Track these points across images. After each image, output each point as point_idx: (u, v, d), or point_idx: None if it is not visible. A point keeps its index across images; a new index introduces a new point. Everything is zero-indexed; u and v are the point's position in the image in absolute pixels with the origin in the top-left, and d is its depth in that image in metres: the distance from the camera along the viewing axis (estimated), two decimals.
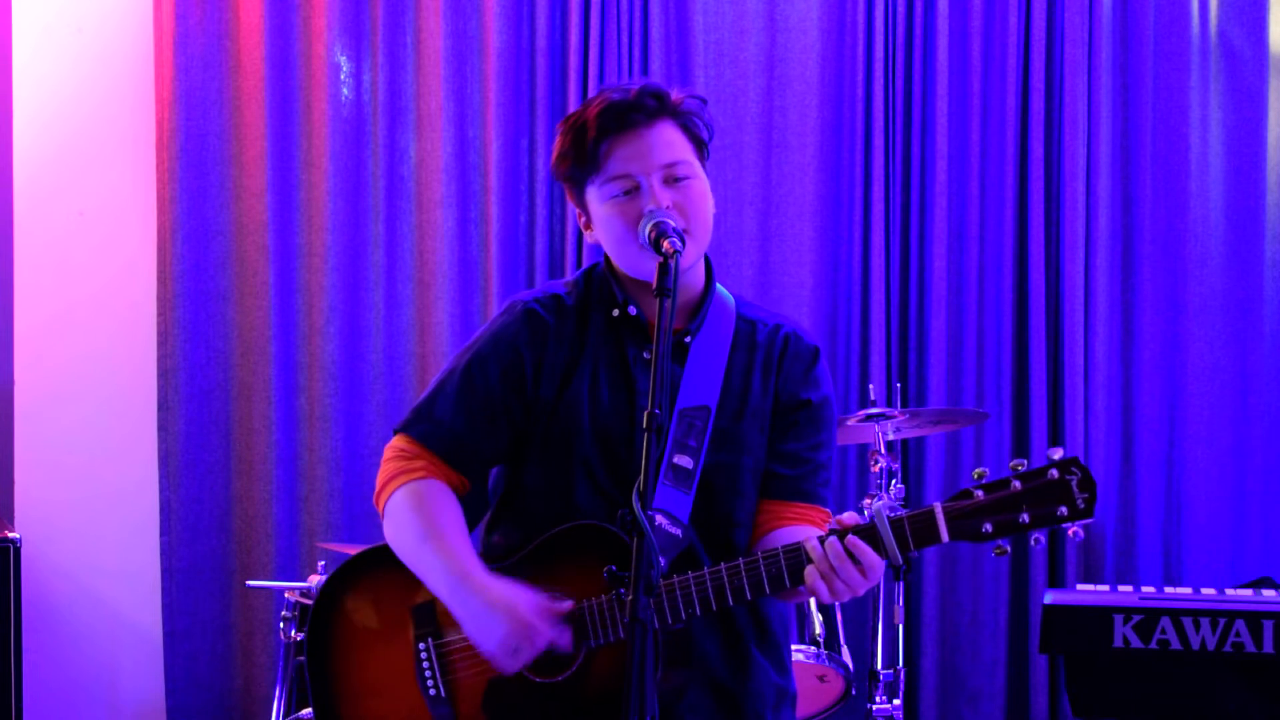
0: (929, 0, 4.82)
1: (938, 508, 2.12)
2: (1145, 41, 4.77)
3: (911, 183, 4.85)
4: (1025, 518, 2.11)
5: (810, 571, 2.14)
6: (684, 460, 2.31)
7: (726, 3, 4.87)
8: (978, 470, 2.14)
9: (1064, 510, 2.10)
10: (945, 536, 2.12)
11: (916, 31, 4.83)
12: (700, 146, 2.37)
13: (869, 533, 2.13)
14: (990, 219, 4.83)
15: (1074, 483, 2.10)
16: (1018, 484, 2.11)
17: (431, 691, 2.33)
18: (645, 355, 2.35)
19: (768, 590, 2.18)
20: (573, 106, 4.82)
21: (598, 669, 2.26)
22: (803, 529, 2.32)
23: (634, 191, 2.29)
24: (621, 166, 2.30)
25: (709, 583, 2.19)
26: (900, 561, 2.15)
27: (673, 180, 2.30)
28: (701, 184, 2.34)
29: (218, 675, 4.86)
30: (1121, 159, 4.81)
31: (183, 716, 4.82)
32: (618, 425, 2.34)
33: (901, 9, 4.81)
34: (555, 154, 2.37)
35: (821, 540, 2.14)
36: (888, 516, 2.13)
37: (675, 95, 2.35)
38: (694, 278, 2.38)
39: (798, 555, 2.16)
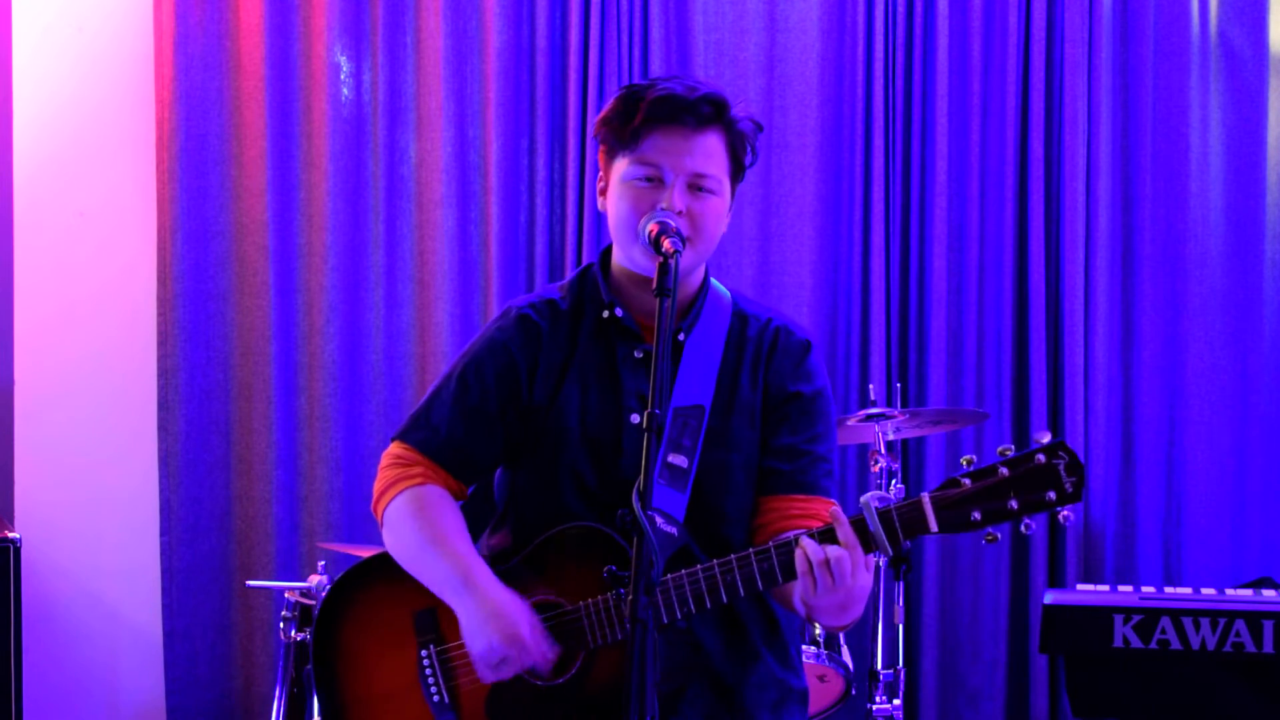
0: (929, 0, 4.82)
1: (925, 497, 2.12)
2: (1145, 41, 4.77)
3: (911, 183, 4.85)
4: (1014, 504, 2.10)
5: (801, 569, 2.14)
6: (679, 459, 2.30)
7: (726, 3, 4.87)
8: (965, 458, 2.13)
9: (1052, 495, 2.10)
10: (934, 526, 2.11)
11: (916, 31, 4.82)
12: (737, 168, 2.37)
13: (858, 525, 2.13)
14: (990, 219, 4.82)
15: (1061, 466, 2.09)
16: (1004, 470, 2.11)
17: (435, 698, 2.34)
18: (636, 354, 2.36)
19: (760, 585, 2.18)
20: (573, 106, 4.82)
21: (598, 671, 2.26)
22: (810, 526, 2.32)
23: (655, 182, 2.29)
24: (654, 155, 2.29)
25: (702, 580, 2.19)
26: (891, 553, 2.15)
27: (697, 190, 2.30)
28: (722, 203, 2.34)
29: (218, 675, 4.86)
30: (1121, 159, 4.81)
31: (183, 716, 4.82)
32: (605, 428, 2.34)
33: (901, 9, 4.81)
34: (602, 114, 2.37)
35: (813, 535, 2.14)
36: (876, 509, 2.13)
37: (734, 111, 2.34)
38: (692, 278, 2.38)
39: (789, 551, 2.16)
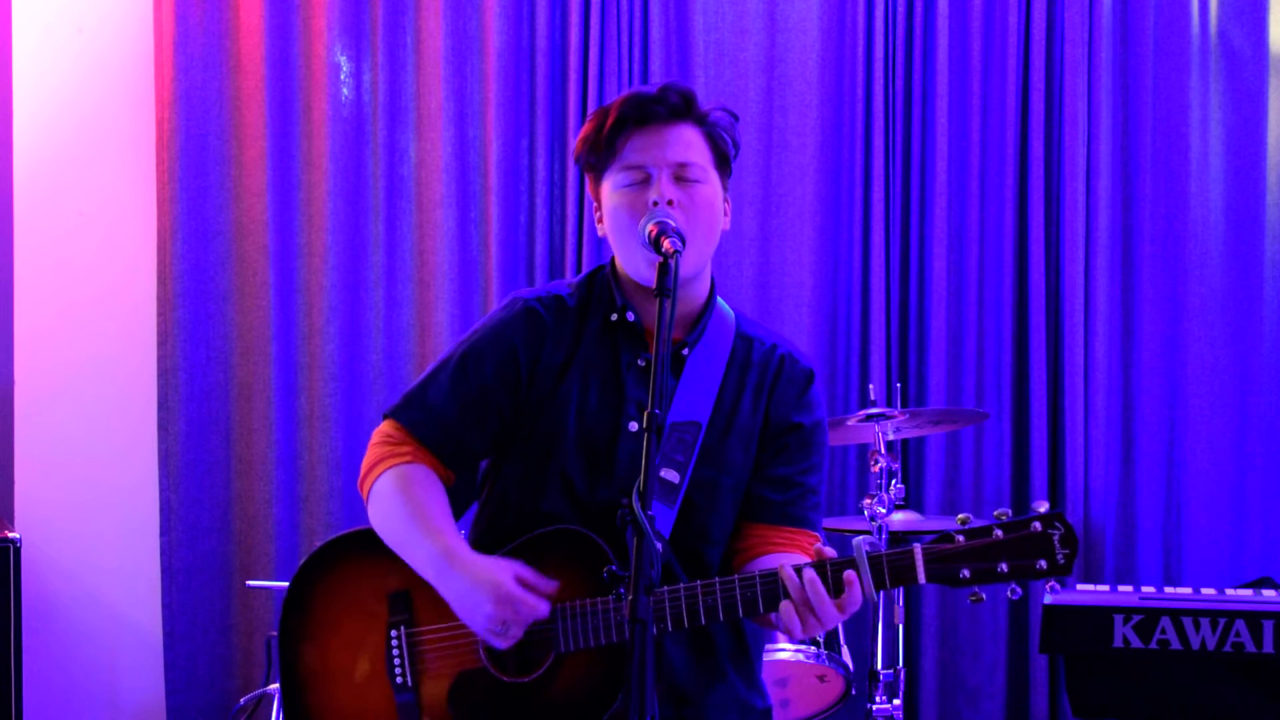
0: (929, 0, 4.82)
1: (917, 549, 2.14)
2: (1145, 41, 4.77)
3: (911, 183, 4.85)
4: (1004, 567, 2.13)
5: (785, 604, 2.14)
6: (670, 475, 2.30)
7: (726, 3, 4.87)
8: (961, 516, 2.16)
9: (1043, 564, 2.12)
10: (922, 578, 2.13)
11: (916, 31, 4.83)
12: (722, 159, 2.37)
13: (847, 568, 2.14)
14: (990, 219, 4.83)
15: (1056, 538, 2.12)
16: (999, 533, 2.13)
17: (398, 680, 2.33)
18: (640, 362, 2.35)
19: (740, 613, 2.18)
20: (573, 106, 4.83)
21: (565, 674, 2.26)
22: (790, 555, 2.31)
23: (644, 183, 2.30)
24: (635, 156, 2.31)
25: (683, 599, 2.19)
26: (874, 599, 2.17)
27: (683, 180, 2.30)
28: (712, 191, 2.34)
29: (218, 675, 4.86)
30: (1121, 159, 4.81)
31: (183, 716, 4.82)
32: (602, 431, 2.34)
33: (901, 9, 4.81)
34: (578, 139, 2.38)
35: (799, 571, 2.14)
36: (866, 553, 2.14)
37: (704, 104, 2.36)
38: (697, 289, 2.38)
39: (773, 582, 2.16)
